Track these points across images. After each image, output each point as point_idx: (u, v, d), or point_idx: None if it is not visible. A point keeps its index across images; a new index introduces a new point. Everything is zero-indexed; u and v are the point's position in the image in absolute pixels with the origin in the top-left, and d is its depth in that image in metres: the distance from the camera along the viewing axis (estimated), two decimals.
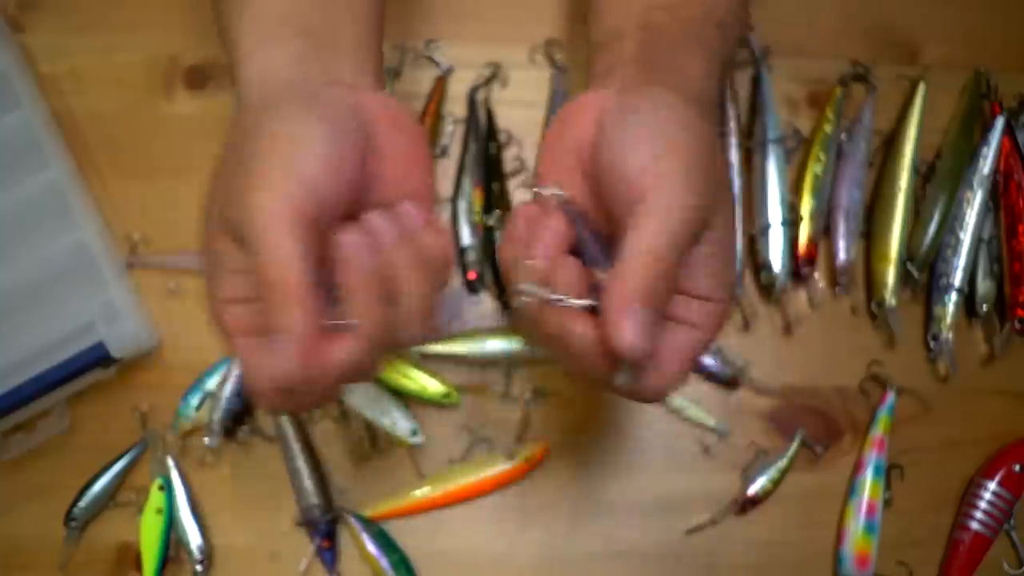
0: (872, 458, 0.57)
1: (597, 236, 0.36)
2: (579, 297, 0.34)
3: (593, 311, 0.34)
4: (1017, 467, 0.56)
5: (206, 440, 0.55)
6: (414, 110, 0.61)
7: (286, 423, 0.56)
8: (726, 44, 0.44)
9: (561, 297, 0.34)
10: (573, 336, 0.34)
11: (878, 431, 0.57)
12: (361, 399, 0.57)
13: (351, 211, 0.36)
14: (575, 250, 0.37)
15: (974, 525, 0.56)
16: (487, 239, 0.59)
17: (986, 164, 0.60)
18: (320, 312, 0.32)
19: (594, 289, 0.34)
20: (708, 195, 0.34)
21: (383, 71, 0.44)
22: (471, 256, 0.59)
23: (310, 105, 0.36)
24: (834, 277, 0.60)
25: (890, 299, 0.58)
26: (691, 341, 0.36)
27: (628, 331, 0.31)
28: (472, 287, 0.59)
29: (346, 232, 0.34)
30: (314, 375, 0.32)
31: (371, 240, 0.35)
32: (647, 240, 0.32)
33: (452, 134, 0.61)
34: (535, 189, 0.37)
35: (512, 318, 0.38)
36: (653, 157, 0.34)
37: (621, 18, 0.43)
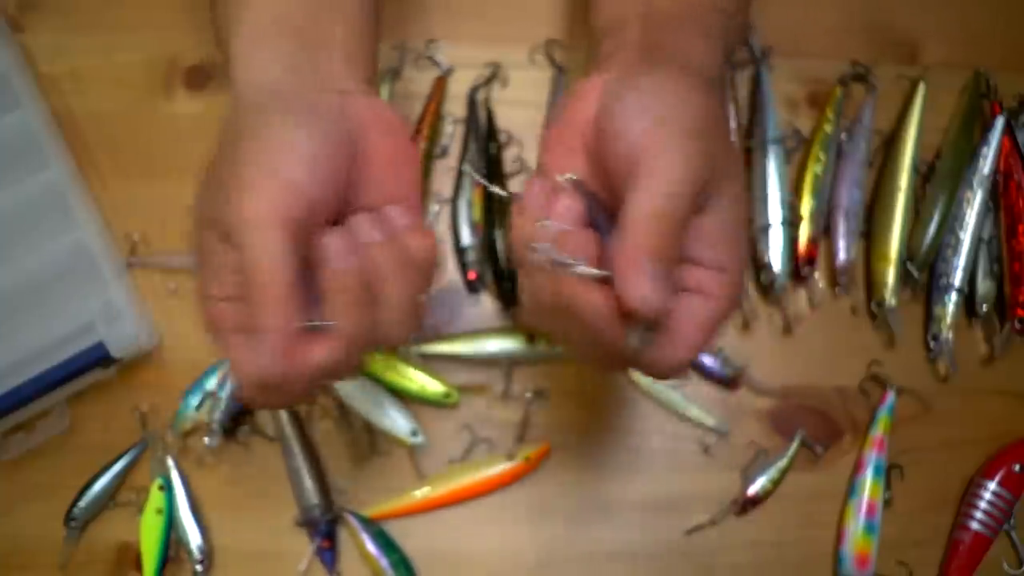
0: (872, 458, 0.57)
1: (609, 216, 0.36)
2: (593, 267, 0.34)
3: (605, 282, 0.34)
4: (1017, 467, 0.56)
5: (206, 440, 0.55)
6: (403, 115, 0.61)
7: (286, 423, 0.56)
8: (727, 29, 0.44)
9: (576, 261, 0.34)
10: (586, 305, 0.34)
11: (878, 431, 0.57)
12: (361, 399, 0.57)
13: (339, 215, 0.37)
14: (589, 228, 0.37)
15: (974, 525, 0.56)
16: (487, 239, 0.59)
17: (986, 164, 0.60)
18: (302, 313, 0.33)
19: (607, 264, 0.34)
20: (708, 160, 0.34)
21: (376, 73, 0.44)
22: (471, 256, 0.59)
23: (299, 110, 0.36)
24: (834, 277, 0.60)
25: (890, 299, 0.58)
26: (706, 310, 0.36)
27: (639, 285, 0.32)
28: (472, 287, 0.59)
29: (329, 235, 0.35)
30: (292, 374, 0.33)
31: (354, 243, 0.35)
32: (649, 200, 0.33)
33: (452, 134, 0.61)
34: (549, 173, 0.37)
35: (520, 301, 0.38)
36: (652, 123, 0.34)
37: (623, 4, 0.43)
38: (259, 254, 0.33)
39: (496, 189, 0.45)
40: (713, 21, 0.43)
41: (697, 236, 0.35)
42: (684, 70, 0.38)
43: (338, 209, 0.37)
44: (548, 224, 0.35)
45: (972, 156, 0.60)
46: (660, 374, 0.36)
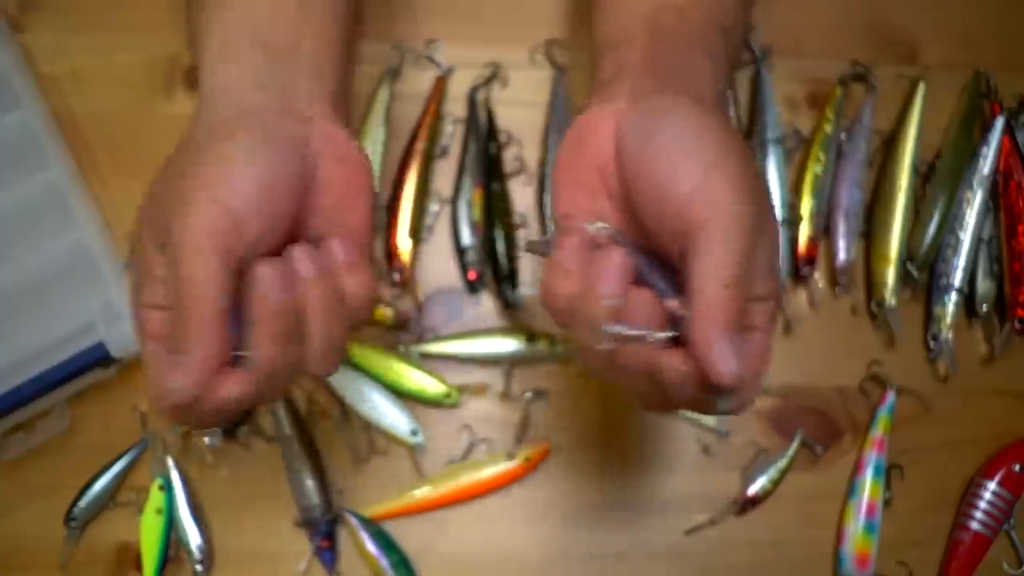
0: (872, 458, 0.57)
1: (654, 263, 0.35)
2: (660, 329, 0.33)
3: (675, 340, 0.33)
4: (1017, 467, 0.56)
5: (206, 440, 0.55)
6: (403, 115, 0.61)
7: (286, 423, 0.56)
8: (729, 49, 0.43)
9: (646, 333, 0.33)
10: (666, 370, 0.33)
11: (878, 431, 0.57)
12: (361, 400, 0.57)
13: (285, 242, 0.36)
14: (636, 280, 0.35)
15: (974, 525, 0.56)
16: (487, 239, 0.59)
17: (986, 164, 0.60)
18: (225, 342, 0.33)
19: (669, 317, 0.34)
20: (758, 198, 0.34)
21: (348, 78, 0.44)
22: (471, 256, 0.59)
23: (257, 134, 0.36)
24: (834, 277, 0.60)
25: (890, 299, 0.58)
26: (761, 345, 0.35)
27: (727, 360, 0.31)
28: (472, 287, 0.59)
29: (264, 264, 0.34)
30: (203, 401, 0.33)
31: (289, 274, 0.34)
32: (720, 268, 0.31)
33: (452, 134, 0.61)
34: (583, 226, 0.35)
35: (582, 359, 0.37)
36: (701, 174, 0.33)
37: (628, 19, 0.42)
38: (191, 275, 0.32)
39: (536, 243, 0.39)
40: (716, 41, 0.42)
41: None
42: (693, 95, 0.37)
43: (286, 237, 0.36)
44: (611, 298, 0.33)
45: (972, 156, 0.60)
46: (731, 414, 0.36)
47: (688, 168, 0.33)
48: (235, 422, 0.56)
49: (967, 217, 0.59)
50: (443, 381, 0.57)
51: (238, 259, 0.33)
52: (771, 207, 0.36)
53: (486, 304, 0.59)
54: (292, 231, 0.37)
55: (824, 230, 0.60)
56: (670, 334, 0.33)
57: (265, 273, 0.34)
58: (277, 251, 0.35)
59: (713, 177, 0.33)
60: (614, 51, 0.41)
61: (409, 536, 0.56)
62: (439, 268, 0.60)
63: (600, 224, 0.34)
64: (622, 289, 0.33)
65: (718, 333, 0.31)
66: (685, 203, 0.32)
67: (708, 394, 0.33)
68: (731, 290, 0.31)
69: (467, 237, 0.59)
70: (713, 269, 0.31)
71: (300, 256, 0.35)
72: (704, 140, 0.34)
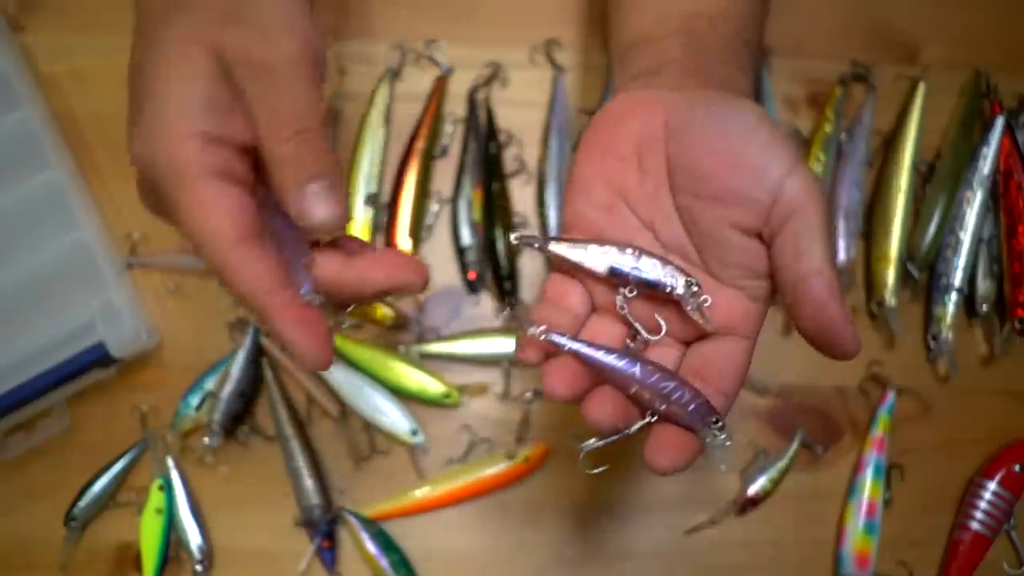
0: (872, 458, 0.57)
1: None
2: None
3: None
4: (1017, 467, 0.56)
5: (206, 440, 0.55)
6: (404, 115, 0.61)
7: (286, 423, 0.56)
8: (752, 61, 0.45)
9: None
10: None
11: (878, 431, 0.57)
12: (361, 400, 0.57)
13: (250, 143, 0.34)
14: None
15: (974, 525, 0.56)
16: (487, 239, 0.59)
17: (986, 164, 0.60)
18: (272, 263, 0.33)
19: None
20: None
21: None
22: (471, 256, 0.59)
23: (173, 59, 0.35)
24: None
25: (890, 299, 0.58)
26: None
27: (852, 335, 0.34)
28: (472, 287, 0.59)
29: None
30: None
31: None
32: (825, 247, 0.34)
33: (452, 134, 0.61)
34: (531, 331, 0.35)
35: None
36: (792, 163, 0.34)
37: (661, 18, 0.43)
38: (204, 225, 0.33)
39: (524, 237, 0.39)
40: (744, 55, 0.43)
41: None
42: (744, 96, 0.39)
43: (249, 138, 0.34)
44: (557, 399, 0.35)
45: (972, 156, 0.60)
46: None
47: (779, 154, 0.35)
48: (235, 422, 0.56)
49: (967, 217, 0.59)
50: (443, 381, 0.57)
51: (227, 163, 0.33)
52: None
53: (486, 304, 0.59)
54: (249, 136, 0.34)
55: None
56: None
57: None
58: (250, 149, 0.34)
59: (802, 168, 0.35)
60: (649, 45, 0.42)
61: (409, 536, 0.56)
62: (439, 268, 0.60)
63: (542, 329, 0.35)
64: (570, 390, 0.35)
65: (843, 308, 0.33)
66: (778, 185, 0.34)
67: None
68: (829, 276, 0.34)
69: (467, 237, 0.59)
70: (821, 245, 0.34)
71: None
72: (778, 133, 0.35)
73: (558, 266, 0.39)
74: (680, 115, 0.36)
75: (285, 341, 0.33)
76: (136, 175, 0.36)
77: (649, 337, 0.36)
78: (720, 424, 0.34)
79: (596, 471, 0.37)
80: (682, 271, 0.35)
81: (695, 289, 0.35)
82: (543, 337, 0.34)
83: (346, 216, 0.33)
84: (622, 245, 0.36)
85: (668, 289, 0.35)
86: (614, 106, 0.39)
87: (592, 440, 0.36)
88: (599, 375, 0.35)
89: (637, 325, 0.36)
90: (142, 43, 0.36)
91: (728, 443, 0.35)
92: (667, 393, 0.34)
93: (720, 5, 0.43)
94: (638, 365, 0.34)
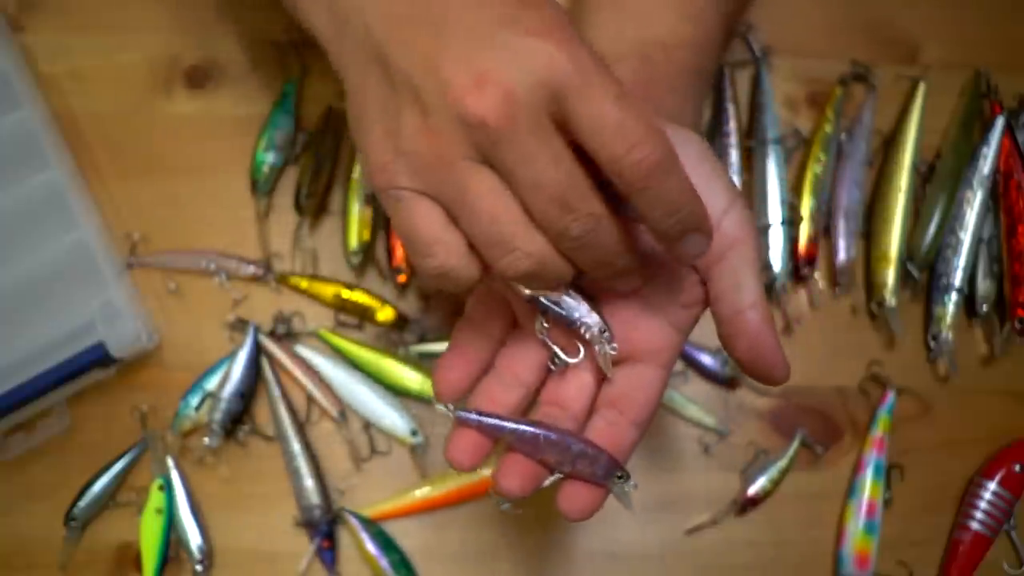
0: (872, 458, 0.57)
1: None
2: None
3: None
4: (1017, 467, 0.56)
5: (206, 440, 0.55)
6: None
7: (286, 423, 0.56)
8: (705, 89, 0.46)
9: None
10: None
11: (878, 431, 0.57)
12: (361, 400, 0.57)
13: None
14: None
15: (974, 525, 0.56)
16: None
17: (986, 164, 0.60)
18: None
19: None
20: None
21: None
22: None
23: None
24: (834, 277, 0.60)
25: (890, 299, 0.58)
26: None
27: (784, 367, 0.36)
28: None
29: None
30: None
31: None
32: (757, 277, 0.35)
33: None
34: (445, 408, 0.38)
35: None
36: (732, 197, 0.35)
37: (616, 41, 0.43)
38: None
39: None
40: (696, 84, 0.43)
41: None
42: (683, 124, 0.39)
43: None
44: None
45: (972, 156, 0.60)
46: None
47: (720, 189, 0.35)
48: (235, 422, 0.56)
49: (967, 217, 0.59)
50: None
51: None
52: None
53: None
54: None
55: (824, 230, 0.60)
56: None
57: None
58: None
59: (741, 202, 0.35)
60: None
61: (409, 536, 0.56)
62: None
63: (450, 407, 0.37)
64: (471, 461, 0.36)
65: (777, 338, 0.35)
66: (719, 218, 0.35)
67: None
68: (764, 297, 0.36)
69: None
70: (755, 279, 0.35)
71: None
72: (720, 168, 0.36)
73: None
74: None
75: (700, 234, 0.32)
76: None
77: (568, 360, 0.37)
78: (624, 476, 0.36)
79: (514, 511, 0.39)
80: (600, 316, 0.36)
81: (605, 335, 0.36)
82: (454, 415, 0.36)
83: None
84: None
85: (582, 329, 0.36)
86: None
87: (506, 505, 0.38)
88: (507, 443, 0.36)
89: (556, 349, 0.37)
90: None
91: (635, 488, 0.37)
92: (573, 457, 0.36)
93: (677, 32, 0.43)
94: (541, 435, 0.36)
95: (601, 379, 0.38)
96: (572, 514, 0.36)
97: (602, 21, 0.44)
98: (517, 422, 0.36)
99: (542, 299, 0.36)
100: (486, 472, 0.56)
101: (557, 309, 0.36)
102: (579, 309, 0.36)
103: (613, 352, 0.36)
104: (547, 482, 0.37)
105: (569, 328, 0.36)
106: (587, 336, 0.36)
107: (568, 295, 0.36)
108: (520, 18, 0.30)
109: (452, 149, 0.30)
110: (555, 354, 0.37)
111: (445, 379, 0.38)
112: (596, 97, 0.29)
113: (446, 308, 0.60)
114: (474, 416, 0.36)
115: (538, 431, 0.36)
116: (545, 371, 0.38)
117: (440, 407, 0.37)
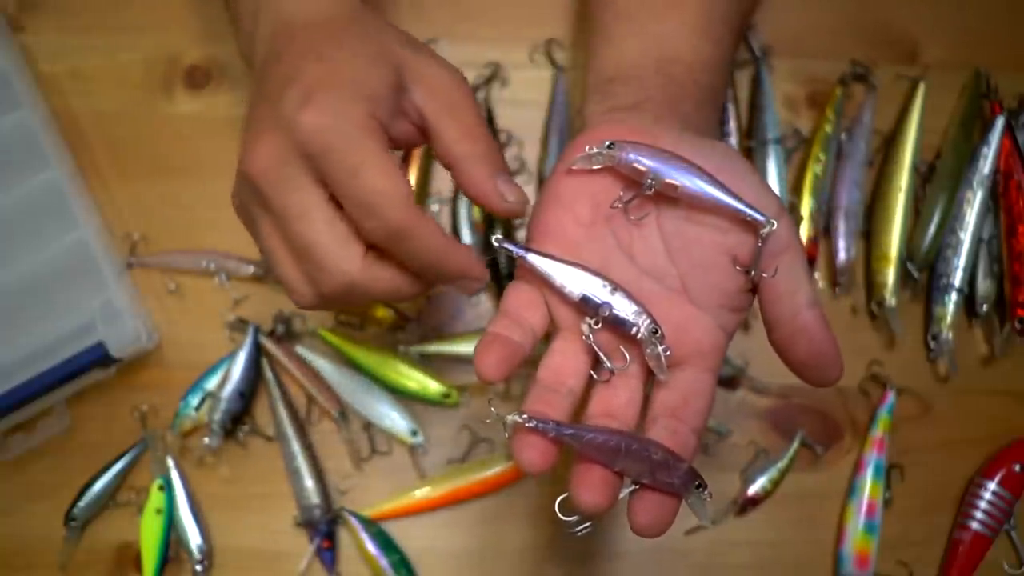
0: (872, 458, 0.57)
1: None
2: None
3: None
4: (1017, 467, 0.56)
5: (206, 440, 0.55)
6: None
7: (286, 423, 0.56)
8: (720, 105, 0.47)
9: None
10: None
11: (878, 431, 0.57)
12: (361, 399, 0.57)
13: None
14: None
15: (974, 525, 0.56)
16: (487, 239, 0.59)
17: (986, 164, 0.60)
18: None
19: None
20: None
21: None
22: None
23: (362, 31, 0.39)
24: (834, 277, 0.60)
25: (890, 299, 0.58)
26: None
27: (842, 364, 0.37)
28: None
29: None
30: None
31: None
32: (814, 295, 0.37)
33: None
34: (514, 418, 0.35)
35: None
36: (776, 210, 0.36)
37: (640, 57, 0.44)
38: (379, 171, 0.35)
39: (504, 240, 0.39)
40: (715, 102, 0.45)
41: None
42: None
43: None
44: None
45: (972, 156, 0.60)
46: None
47: (771, 197, 0.37)
48: (235, 422, 0.56)
49: (967, 217, 0.59)
50: (443, 381, 0.57)
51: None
52: None
53: (486, 304, 0.59)
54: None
55: (824, 230, 0.60)
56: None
57: None
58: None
59: (788, 214, 0.37)
60: (628, 83, 0.43)
61: (409, 536, 0.56)
62: None
63: (524, 417, 0.35)
64: (547, 465, 0.35)
65: (835, 338, 0.37)
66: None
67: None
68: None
69: (467, 237, 0.59)
70: (809, 282, 0.37)
71: None
72: (766, 183, 0.38)
73: (523, 274, 0.39)
74: (670, 146, 0.37)
75: (466, 279, 0.39)
76: (244, 163, 0.39)
77: (614, 367, 0.36)
78: (702, 486, 0.34)
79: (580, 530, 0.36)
80: (650, 316, 0.35)
81: (657, 335, 0.35)
82: (528, 424, 0.34)
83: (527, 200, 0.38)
84: (599, 275, 0.36)
85: (633, 330, 0.35)
86: (602, 130, 0.39)
87: (581, 523, 0.35)
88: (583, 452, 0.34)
89: (603, 356, 0.36)
90: (324, 35, 0.38)
91: (710, 498, 0.35)
92: (653, 467, 0.34)
93: (696, 52, 0.44)
94: (623, 443, 0.34)
95: (644, 383, 0.37)
96: (650, 529, 0.34)
97: (625, 42, 0.45)
98: (598, 430, 0.34)
99: (593, 298, 0.35)
100: (486, 472, 0.56)
101: (609, 309, 0.35)
102: (629, 310, 0.36)
103: (666, 354, 0.35)
104: (623, 493, 0.34)
105: (619, 328, 0.35)
106: (638, 337, 0.35)
107: (618, 294, 0.35)
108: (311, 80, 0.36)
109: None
110: (600, 360, 0.36)
111: (486, 360, 0.36)
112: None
113: (446, 308, 0.60)
114: (552, 425, 0.34)
115: (621, 439, 0.34)
116: (588, 378, 0.37)
117: (511, 417, 0.35)
